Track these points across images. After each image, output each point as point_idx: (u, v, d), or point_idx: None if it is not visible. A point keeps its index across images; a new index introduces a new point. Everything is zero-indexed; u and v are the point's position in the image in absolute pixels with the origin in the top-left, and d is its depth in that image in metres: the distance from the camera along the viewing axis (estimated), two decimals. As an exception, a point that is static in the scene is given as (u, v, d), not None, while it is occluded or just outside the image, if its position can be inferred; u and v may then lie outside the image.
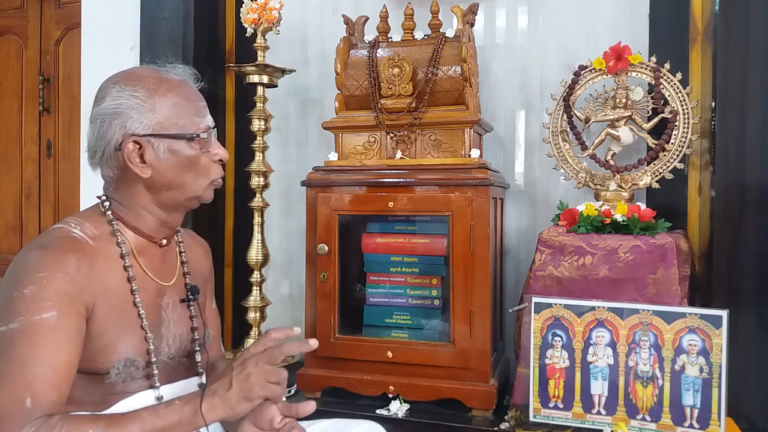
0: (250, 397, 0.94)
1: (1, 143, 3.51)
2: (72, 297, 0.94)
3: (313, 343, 0.97)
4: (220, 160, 1.10)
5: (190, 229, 1.33)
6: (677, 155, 1.91)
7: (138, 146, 1.02)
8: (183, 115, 1.04)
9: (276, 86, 2.32)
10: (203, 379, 1.14)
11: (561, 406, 1.63)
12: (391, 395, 1.91)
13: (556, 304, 1.65)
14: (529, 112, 2.29)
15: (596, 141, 1.97)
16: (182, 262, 1.16)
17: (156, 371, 1.03)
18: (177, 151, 1.04)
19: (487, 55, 2.30)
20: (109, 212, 1.06)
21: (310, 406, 0.99)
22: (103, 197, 1.08)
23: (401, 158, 1.99)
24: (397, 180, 1.93)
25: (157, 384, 1.03)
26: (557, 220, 1.89)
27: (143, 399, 1.02)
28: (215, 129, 1.10)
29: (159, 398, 1.03)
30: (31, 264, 0.94)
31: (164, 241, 1.11)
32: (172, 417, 0.93)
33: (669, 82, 1.93)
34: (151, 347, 1.03)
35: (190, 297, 1.13)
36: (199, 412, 0.93)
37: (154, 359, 1.03)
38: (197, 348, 1.13)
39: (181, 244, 1.18)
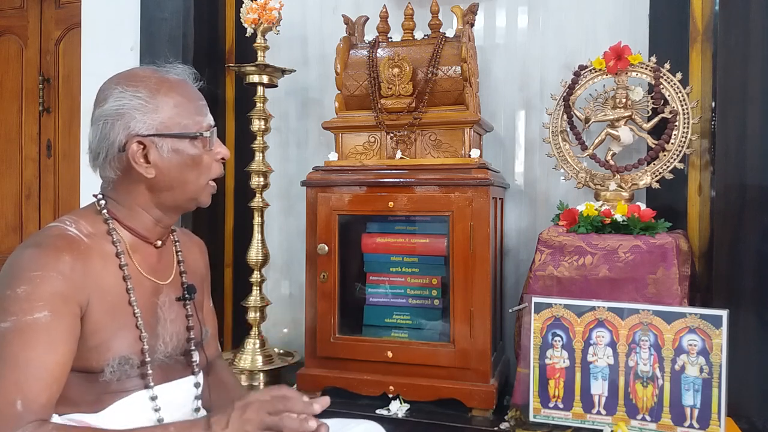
0: None
1: (1, 143, 3.50)
2: (66, 296, 0.94)
3: (324, 402, 0.93)
4: (222, 159, 1.10)
5: (190, 229, 1.33)
6: (677, 155, 1.91)
7: (142, 146, 1.02)
8: (185, 114, 1.05)
9: (276, 86, 2.32)
10: (199, 378, 1.14)
11: (561, 406, 1.63)
12: (391, 395, 1.91)
13: (556, 304, 1.65)
14: (529, 112, 2.29)
15: (596, 141, 1.97)
16: (178, 261, 1.16)
17: (150, 370, 1.03)
18: (181, 151, 1.04)
19: (487, 55, 2.30)
20: (105, 211, 1.06)
21: (325, 401, 0.98)
22: (99, 196, 1.08)
23: (401, 158, 1.99)
24: (397, 180, 1.93)
25: (152, 384, 1.03)
26: (557, 220, 1.89)
27: (138, 398, 1.02)
28: (216, 128, 1.10)
29: (153, 398, 1.03)
30: (25, 262, 0.94)
31: (159, 242, 1.11)
32: None
33: (669, 82, 1.93)
34: (146, 346, 1.02)
35: (187, 296, 1.13)
36: None
37: (148, 358, 1.03)
38: (193, 347, 1.13)
39: (177, 243, 1.18)
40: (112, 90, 1.03)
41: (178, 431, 0.93)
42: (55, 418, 0.95)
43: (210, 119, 1.09)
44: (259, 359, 2.22)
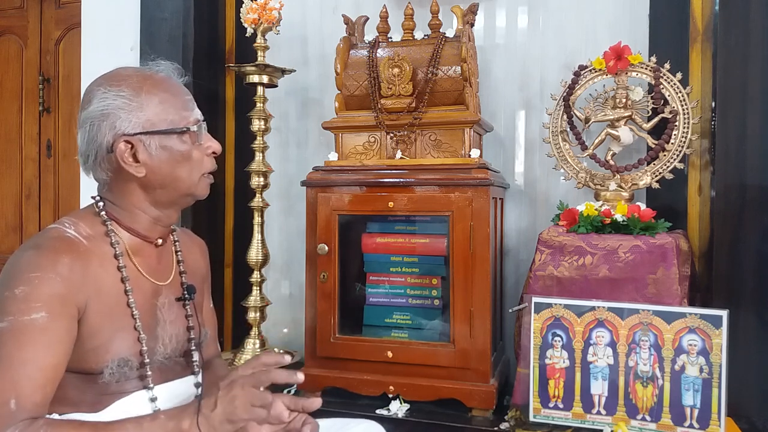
0: (233, 419, 0.91)
1: (1, 143, 3.50)
2: (64, 298, 0.94)
3: (300, 377, 0.94)
4: (213, 153, 1.10)
5: (190, 229, 1.32)
6: (677, 155, 1.91)
7: (130, 146, 1.01)
8: (171, 110, 1.04)
9: (276, 86, 2.32)
10: (199, 379, 1.14)
11: (561, 406, 1.63)
12: (391, 395, 1.91)
13: (556, 304, 1.65)
14: (529, 112, 2.29)
15: (596, 141, 1.97)
16: (178, 261, 1.16)
17: (150, 372, 1.03)
18: (169, 147, 1.04)
19: (487, 55, 2.30)
20: (103, 212, 1.06)
21: (317, 402, 0.98)
22: (97, 198, 1.08)
23: (401, 158, 1.99)
24: (397, 180, 1.93)
25: (151, 385, 1.03)
26: (557, 220, 1.89)
27: (138, 399, 1.02)
28: (205, 122, 1.09)
29: (153, 399, 1.03)
30: (24, 264, 0.94)
31: (160, 241, 1.11)
32: (156, 431, 0.92)
33: (669, 82, 1.93)
34: (144, 348, 1.02)
35: (186, 296, 1.13)
36: (182, 430, 0.92)
37: (147, 360, 1.02)
38: (193, 347, 1.13)
39: (177, 243, 1.17)
40: (96, 91, 1.02)
41: (168, 418, 0.93)
42: (55, 418, 0.95)
43: (197, 114, 1.08)
44: (259, 359, 2.22)
